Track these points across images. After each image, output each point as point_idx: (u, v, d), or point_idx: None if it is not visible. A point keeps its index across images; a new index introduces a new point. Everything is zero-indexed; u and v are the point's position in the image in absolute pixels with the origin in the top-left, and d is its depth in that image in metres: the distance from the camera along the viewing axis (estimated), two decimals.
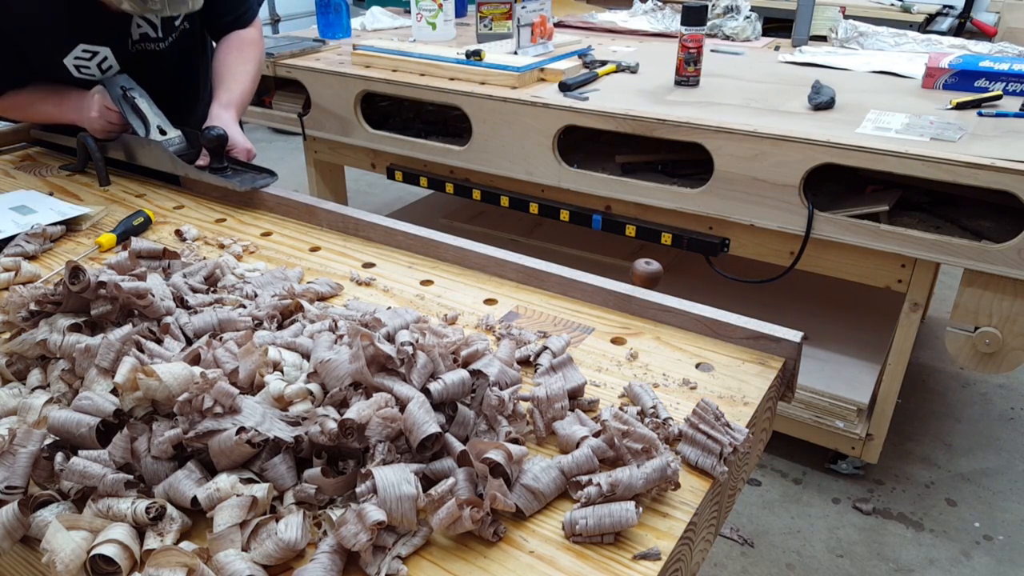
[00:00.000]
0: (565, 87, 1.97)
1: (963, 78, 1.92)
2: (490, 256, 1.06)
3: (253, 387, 0.72)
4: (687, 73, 2.00)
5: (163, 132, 1.38)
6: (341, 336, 0.79)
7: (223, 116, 1.42)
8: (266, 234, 1.20)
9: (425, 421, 0.66)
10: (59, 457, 0.67)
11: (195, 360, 0.74)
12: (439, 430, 0.66)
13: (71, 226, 1.21)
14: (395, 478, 0.61)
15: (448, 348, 0.77)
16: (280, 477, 0.65)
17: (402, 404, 0.68)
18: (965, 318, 1.65)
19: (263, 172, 1.34)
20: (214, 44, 1.64)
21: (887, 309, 2.26)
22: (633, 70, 2.20)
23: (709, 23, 2.69)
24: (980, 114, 1.74)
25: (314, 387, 0.72)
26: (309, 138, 2.47)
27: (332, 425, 0.65)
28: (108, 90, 1.38)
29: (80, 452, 0.66)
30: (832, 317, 2.29)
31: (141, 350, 0.75)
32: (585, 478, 0.66)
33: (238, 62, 1.54)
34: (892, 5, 3.65)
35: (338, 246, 1.16)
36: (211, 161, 1.32)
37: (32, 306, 0.83)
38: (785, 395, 0.90)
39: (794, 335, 0.86)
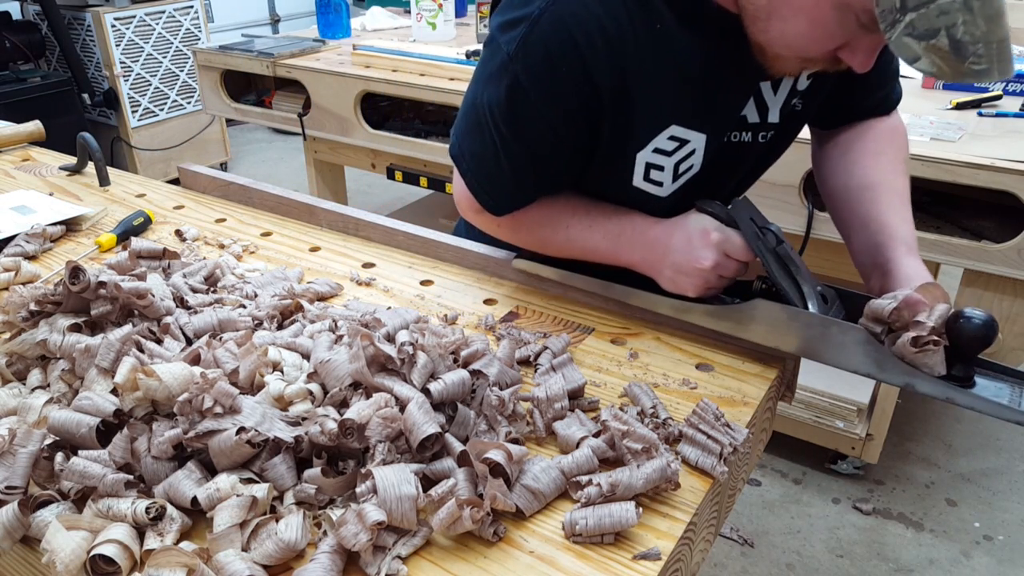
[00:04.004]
0: None
1: None
2: (490, 256, 1.06)
3: (253, 387, 0.72)
4: None
5: (825, 299, 0.83)
6: (341, 336, 0.79)
7: (920, 270, 0.86)
8: (266, 234, 1.19)
9: (425, 421, 0.66)
10: (59, 457, 0.67)
11: (195, 360, 0.74)
12: (439, 430, 0.66)
13: (71, 226, 1.21)
14: (395, 478, 0.61)
15: (448, 348, 0.77)
16: (280, 477, 0.65)
17: (402, 404, 0.68)
18: None
19: None
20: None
21: None
22: None
23: None
24: (980, 114, 1.74)
25: (314, 387, 0.72)
26: (309, 138, 2.47)
27: (332, 425, 0.65)
28: (739, 226, 0.82)
29: (80, 452, 0.66)
30: None
31: (141, 350, 0.75)
32: (585, 478, 0.66)
33: (897, 173, 0.97)
34: None
35: (338, 246, 1.16)
36: (953, 366, 0.74)
37: (32, 306, 0.83)
38: (785, 395, 0.90)
39: None
